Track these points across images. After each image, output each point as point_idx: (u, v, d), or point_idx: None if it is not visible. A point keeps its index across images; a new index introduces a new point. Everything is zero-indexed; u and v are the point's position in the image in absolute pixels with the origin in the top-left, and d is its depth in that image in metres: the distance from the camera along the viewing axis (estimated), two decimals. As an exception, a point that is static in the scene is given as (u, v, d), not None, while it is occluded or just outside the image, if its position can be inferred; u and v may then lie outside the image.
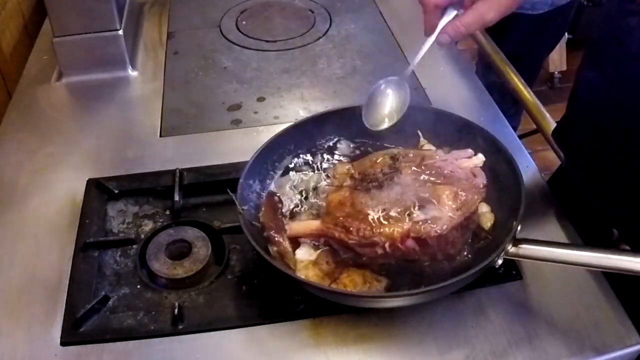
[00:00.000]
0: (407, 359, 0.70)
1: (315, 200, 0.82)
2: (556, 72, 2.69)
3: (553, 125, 1.03)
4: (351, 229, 0.72)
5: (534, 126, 1.07)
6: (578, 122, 0.85)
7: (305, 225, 0.77)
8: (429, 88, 1.10)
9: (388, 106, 0.87)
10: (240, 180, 0.80)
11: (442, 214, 0.73)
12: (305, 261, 0.75)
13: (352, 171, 0.81)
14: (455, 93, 1.09)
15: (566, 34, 2.62)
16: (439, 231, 0.71)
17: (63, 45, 1.12)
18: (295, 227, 0.77)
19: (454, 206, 0.74)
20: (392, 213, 0.73)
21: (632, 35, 0.71)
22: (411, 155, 0.82)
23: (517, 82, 1.13)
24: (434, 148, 0.88)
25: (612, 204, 0.83)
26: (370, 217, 0.73)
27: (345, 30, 1.29)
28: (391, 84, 0.87)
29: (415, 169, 0.78)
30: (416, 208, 0.73)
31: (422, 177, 0.77)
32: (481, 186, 0.78)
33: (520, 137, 1.03)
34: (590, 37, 0.82)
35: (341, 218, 0.74)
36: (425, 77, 1.13)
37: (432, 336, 0.72)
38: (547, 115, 1.05)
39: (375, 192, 0.76)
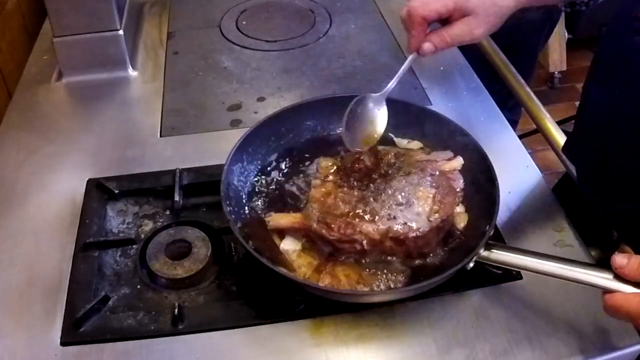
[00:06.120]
0: (407, 359, 0.70)
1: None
2: (556, 72, 2.69)
3: (553, 125, 1.03)
4: (333, 225, 0.74)
5: (534, 126, 1.07)
6: (587, 138, 0.85)
7: (287, 218, 0.78)
8: (429, 88, 1.10)
9: (368, 125, 0.82)
10: (225, 167, 0.81)
11: (420, 216, 0.75)
12: (293, 251, 0.77)
13: (336, 167, 0.83)
14: (455, 93, 1.09)
15: (566, 33, 2.62)
16: (416, 233, 0.73)
17: (63, 45, 1.12)
18: (278, 219, 0.78)
19: (432, 208, 0.75)
20: (373, 212, 0.75)
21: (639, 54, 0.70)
22: (394, 154, 0.83)
23: (516, 82, 1.13)
24: (417, 145, 0.90)
25: (621, 216, 0.83)
26: (351, 215, 0.75)
27: (345, 30, 1.29)
28: (370, 101, 0.82)
29: (398, 169, 0.80)
30: (396, 209, 0.75)
31: (403, 178, 0.79)
32: (459, 190, 0.81)
33: (520, 137, 1.03)
34: (596, 52, 0.82)
35: (323, 214, 0.75)
36: (425, 77, 1.13)
37: (432, 336, 0.72)
38: (547, 115, 1.05)
39: (358, 190, 0.77)
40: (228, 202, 0.78)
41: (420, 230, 0.74)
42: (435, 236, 0.76)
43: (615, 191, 0.81)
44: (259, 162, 0.90)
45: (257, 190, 0.87)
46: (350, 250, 0.75)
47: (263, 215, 0.81)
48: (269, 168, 0.90)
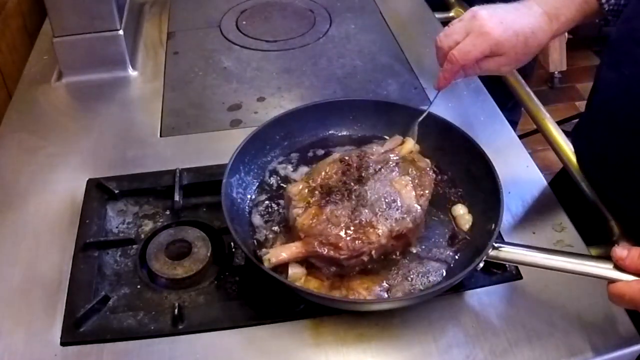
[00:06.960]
0: (407, 359, 0.70)
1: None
2: (556, 72, 2.69)
3: (553, 125, 1.03)
4: (340, 244, 0.71)
5: (534, 126, 1.07)
6: (596, 118, 0.87)
7: (288, 250, 0.73)
8: (429, 88, 1.10)
9: None
10: (224, 180, 0.79)
11: (410, 206, 0.76)
12: (301, 277, 0.74)
13: (307, 189, 0.78)
14: (455, 93, 1.09)
15: (566, 33, 2.62)
16: (416, 222, 0.75)
17: (63, 45, 1.12)
18: (278, 254, 0.72)
19: (417, 194, 0.77)
20: (369, 219, 0.74)
21: None
22: (355, 156, 0.81)
23: (516, 82, 1.13)
24: (410, 142, 0.89)
25: (623, 196, 0.84)
26: (351, 229, 0.72)
27: (345, 30, 1.29)
28: None
29: (366, 169, 0.79)
30: (387, 207, 0.75)
31: (376, 177, 0.78)
32: (427, 168, 0.82)
33: (520, 137, 1.03)
34: (609, 37, 0.84)
35: (322, 236, 0.72)
36: (425, 77, 1.13)
37: (432, 336, 0.72)
38: (547, 115, 1.05)
39: (343, 203, 0.75)
40: (236, 234, 0.74)
41: (416, 218, 0.75)
42: (425, 214, 0.78)
43: (621, 171, 0.83)
44: (257, 176, 0.88)
45: (260, 210, 0.84)
46: (357, 263, 0.73)
47: (260, 252, 0.75)
48: (268, 183, 0.88)
